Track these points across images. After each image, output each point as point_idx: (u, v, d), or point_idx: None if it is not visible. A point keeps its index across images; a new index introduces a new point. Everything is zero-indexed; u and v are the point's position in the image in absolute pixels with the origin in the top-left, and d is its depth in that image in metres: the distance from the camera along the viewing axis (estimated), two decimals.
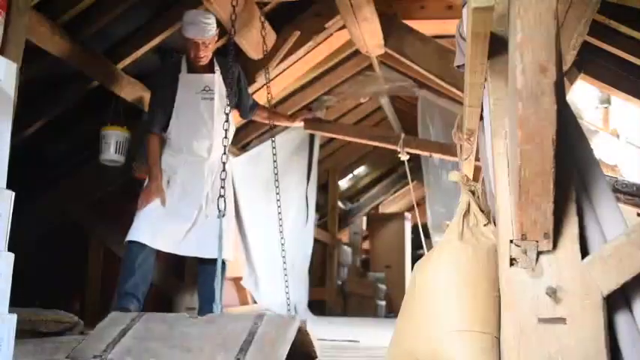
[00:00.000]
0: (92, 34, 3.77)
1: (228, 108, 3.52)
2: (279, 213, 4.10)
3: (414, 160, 8.76)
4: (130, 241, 3.56)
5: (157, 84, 3.87)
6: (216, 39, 3.78)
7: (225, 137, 3.31)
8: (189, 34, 3.64)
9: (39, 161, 4.57)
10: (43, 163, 4.64)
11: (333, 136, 5.92)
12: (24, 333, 2.58)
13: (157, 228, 3.59)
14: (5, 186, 2.08)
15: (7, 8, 2.18)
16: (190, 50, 3.69)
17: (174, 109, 3.74)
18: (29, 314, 2.80)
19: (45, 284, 4.40)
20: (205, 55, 3.72)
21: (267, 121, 4.33)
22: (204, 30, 3.62)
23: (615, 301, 1.62)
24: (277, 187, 4.03)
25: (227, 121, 3.33)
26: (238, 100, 4.01)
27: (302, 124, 4.52)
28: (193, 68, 3.78)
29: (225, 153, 3.33)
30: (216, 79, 3.80)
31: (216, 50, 3.95)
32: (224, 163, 3.29)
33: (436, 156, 4.99)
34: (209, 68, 3.82)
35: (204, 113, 3.73)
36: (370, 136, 5.11)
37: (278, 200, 4.08)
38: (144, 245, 3.52)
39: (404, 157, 4.66)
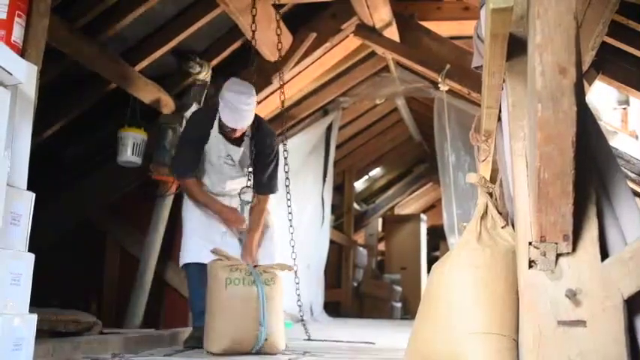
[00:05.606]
0: (110, 36, 3.80)
1: (251, 183, 3.66)
2: (290, 218, 4.09)
3: (431, 161, 8.77)
4: (187, 264, 3.62)
5: (192, 123, 3.77)
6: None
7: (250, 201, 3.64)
8: (228, 121, 3.44)
9: (57, 163, 4.61)
10: (61, 164, 4.68)
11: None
12: (42, 333, 2.60)
13: (205, 242, 3.59)
14: (26, 187, 2.10)
15: (27, 11, 2.19)
16: (225, 129, 3.53)
17: (203, 156, 3.69)
18: (48, 314, 2.82)
19: (63, 285, 4.43)
20: (239, 136, 3.61)
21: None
22: (243, 119, 3.46)
23: (636, 304, 1.60)
24: (288, 192, 3.99)
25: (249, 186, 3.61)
26: (259, 170, 3.74)
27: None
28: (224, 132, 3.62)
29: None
30: (241, 151, 3.67)
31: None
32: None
33: (475, 95, 4.67)
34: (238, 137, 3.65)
35: (228, 173, 3.72)
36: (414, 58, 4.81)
37: (289, 207, 4.07)
38: (199, 264, 3.53)
39: (443, 88, 4.56)
